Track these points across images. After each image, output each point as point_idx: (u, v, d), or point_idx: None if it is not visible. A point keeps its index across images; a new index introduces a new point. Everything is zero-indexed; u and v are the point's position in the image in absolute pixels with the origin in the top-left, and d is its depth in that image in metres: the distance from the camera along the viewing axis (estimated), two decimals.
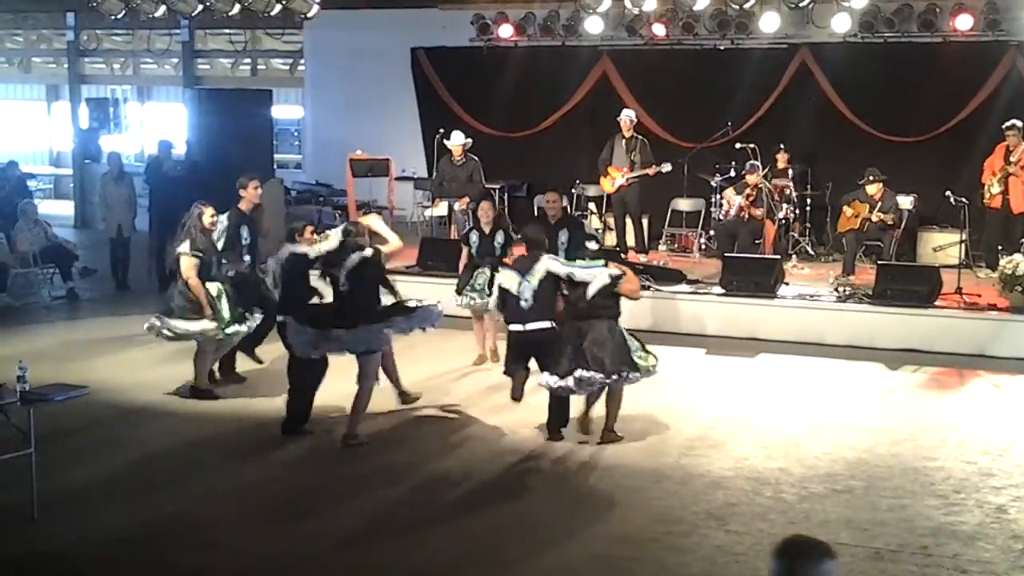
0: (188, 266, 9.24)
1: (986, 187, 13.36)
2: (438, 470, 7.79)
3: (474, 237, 10.59)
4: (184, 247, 9.24)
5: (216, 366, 9.81)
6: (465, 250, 10.79)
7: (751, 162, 13.71)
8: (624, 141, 14.29)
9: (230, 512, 7.04)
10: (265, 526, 6.78)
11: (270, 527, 6.76)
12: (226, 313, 9.36)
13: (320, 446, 8.33)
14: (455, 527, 6.84)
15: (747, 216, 13.59)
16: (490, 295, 9.88)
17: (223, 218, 9.66)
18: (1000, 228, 13.37)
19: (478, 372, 10.46)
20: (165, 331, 9.36)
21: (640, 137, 14.45)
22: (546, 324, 8.33)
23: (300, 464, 8.00)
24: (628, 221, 14.48)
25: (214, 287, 9.34)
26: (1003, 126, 13.24)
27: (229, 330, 9.40)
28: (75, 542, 6.57)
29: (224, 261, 9.61)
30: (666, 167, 14.13)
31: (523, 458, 8.05)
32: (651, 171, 14.08)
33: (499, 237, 10.37)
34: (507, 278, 8.54)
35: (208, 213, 9.34)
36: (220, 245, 9.62)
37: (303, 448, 8.28)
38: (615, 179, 14.30)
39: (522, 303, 8.35)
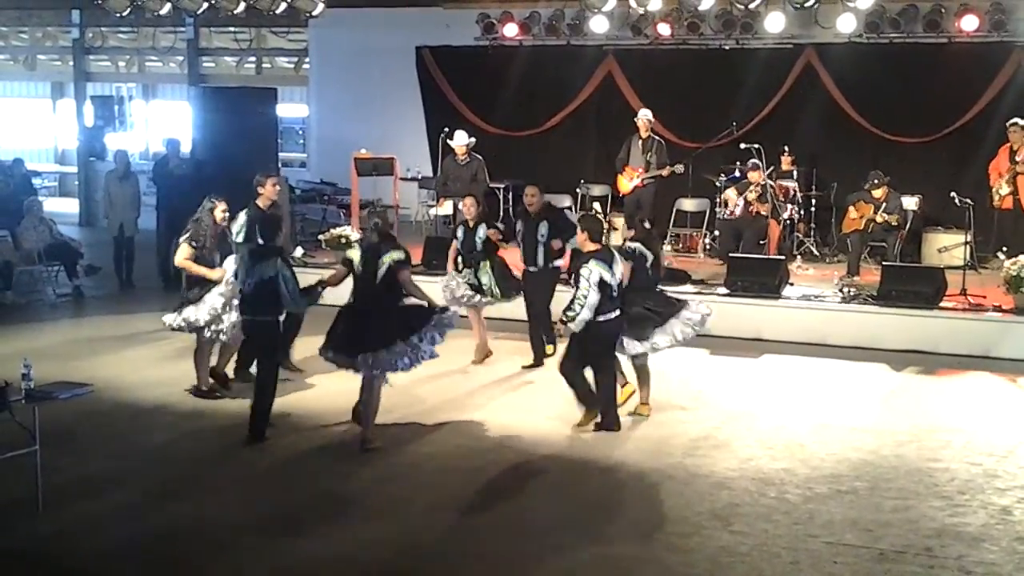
0: (180, 254, 9.23)
1: (995, 189, 13.33)
2: (440, 470, 7.78)
3: (460, 232, 10.65)
4: (183, 237, 9.24)
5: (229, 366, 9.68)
6: (454, 244, 10.82)
7: (752, 160, 13.72)
8: (641, 142, 14.30)
9: (235, 510, 7.04)
10: (270, 525, 6.78)
11: (275, 526, 6.76)
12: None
13: (325, 445, 8.32)
14: (456, 526, 6.84)
15: (754, 212, 13.58)
16: (486, 292, 10.27)
17: (242, 214, 9.67)
18: (1012, 229, 13.30)
19: (476, 371, 10.42)
20: (181, 323, 9.30)
21: (657, 138, 14.44)
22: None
23: (306, 463, 7.99)
24: None
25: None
26: (1007, 124, 13.22)
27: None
28: (80, 539, 6.58)
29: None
30: (679, 168, 14.13)
31: (525, 458, 8.04)
32: (665, 172, 14.08)
33: (480, 232, 10.39)
34: (602, 270, 8.29)
35: (220, 208, 9.31)
36: (241, 239, 9.61)
37: (309, 448, 8.28)
38: (631, 179, 14.31)
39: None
